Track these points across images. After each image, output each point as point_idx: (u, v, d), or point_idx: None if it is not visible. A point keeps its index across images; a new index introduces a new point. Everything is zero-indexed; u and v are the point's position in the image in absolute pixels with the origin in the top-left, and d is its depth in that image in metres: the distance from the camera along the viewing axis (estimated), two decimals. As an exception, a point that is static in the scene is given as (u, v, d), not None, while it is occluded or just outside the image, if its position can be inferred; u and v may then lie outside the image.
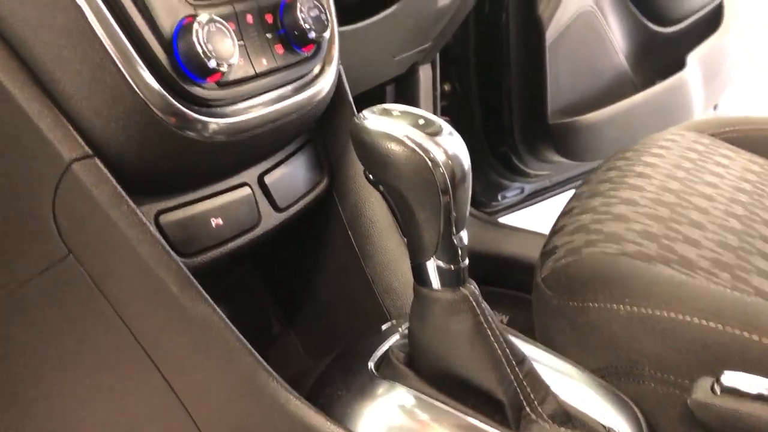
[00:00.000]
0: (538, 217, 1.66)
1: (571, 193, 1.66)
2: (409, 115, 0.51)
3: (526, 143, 1.44)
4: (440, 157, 0.49)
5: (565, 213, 0.79)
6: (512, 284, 1.25)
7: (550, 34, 1.35)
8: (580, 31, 1.42)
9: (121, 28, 0.46)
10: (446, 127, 0.51)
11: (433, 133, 0.50)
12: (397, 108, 0.52)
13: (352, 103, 0.67)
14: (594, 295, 0.64)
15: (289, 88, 0.57)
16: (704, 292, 0.60)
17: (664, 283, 0.62)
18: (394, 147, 0.49)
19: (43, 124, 0.45)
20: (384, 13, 0.95)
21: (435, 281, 0.51)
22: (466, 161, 0.51)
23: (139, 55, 0.47)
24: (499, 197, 1.54)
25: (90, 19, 0.44)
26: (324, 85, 0.60)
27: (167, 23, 0.48)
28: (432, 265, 0.51)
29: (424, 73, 1.28)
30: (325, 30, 0.58)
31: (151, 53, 0.48)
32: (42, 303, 0.51)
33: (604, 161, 0.90)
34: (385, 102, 1.28)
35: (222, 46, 0.49)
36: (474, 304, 0.51)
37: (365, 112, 0.51)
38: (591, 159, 1.52)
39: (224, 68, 0.49)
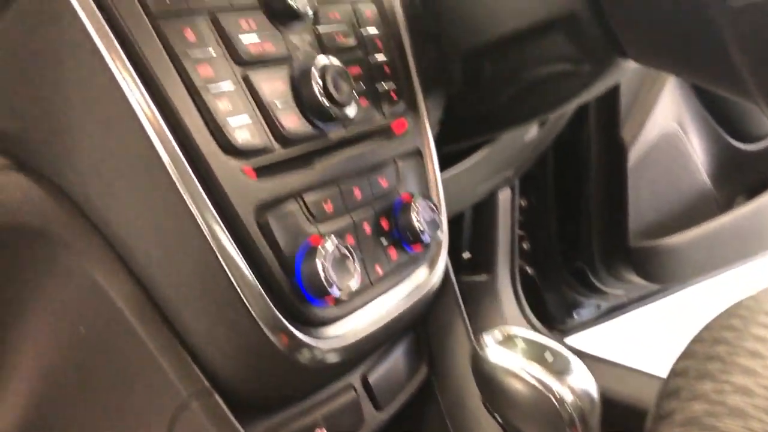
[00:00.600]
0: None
1: (649, 309, 1.60)
2: (533, 346, 0.48)
3: (606, 264, 1.40)
4: (568, 398, 0.46)
5: (671, 394, 0.74)
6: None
7: (633, 155, 1.33)
8: (664, 152, 1.39)
9: (246, 259, 0.45)
10: (574, 361, 0.49)
11: (560, 371, 0.47)
12: (520, 335, 0.49)
13: (455, 283, 0.65)
14: None
15: (400, 292, 0.55)
16: None
17: None
18: (517, 385, 0.46)
19: (165, 360, 0.44)
20: (474, 158, 0.94)
21: None
22: (595, 393, 0.48)
23: (261, 284, 0.46)
24: (574, 315, 1.49)
25: (220, 257, 0.44)
26: (434, 284, 0.58)
27: (289, 244, 0.47)
28: None
29: (503, 195, 1.27)
30: (437, 230, 0.56)
31: (272, 276, 0.47)
32: None
33: (705, 327, 0.85)
34: (462, 224, 1.28)
35: (345, 273, 0.47)
36: None
37: (486, 339, 0.49)
38: (674, 283, 1.47)
39: (345, 296, 0.48)
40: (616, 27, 0.65)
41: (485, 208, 1.24)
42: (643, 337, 1.89)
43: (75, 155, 0.43)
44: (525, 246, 1.44)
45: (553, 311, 1.47)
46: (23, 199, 0.42)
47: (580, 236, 1.39)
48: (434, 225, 0.56)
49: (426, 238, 0.55)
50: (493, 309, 1.28)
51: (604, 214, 1.36)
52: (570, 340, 1.49)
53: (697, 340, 0.84)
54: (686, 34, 0.61)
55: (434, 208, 0.56)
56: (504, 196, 1.26)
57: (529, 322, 1.31)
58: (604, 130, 1.31)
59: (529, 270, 1.45)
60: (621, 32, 0.65)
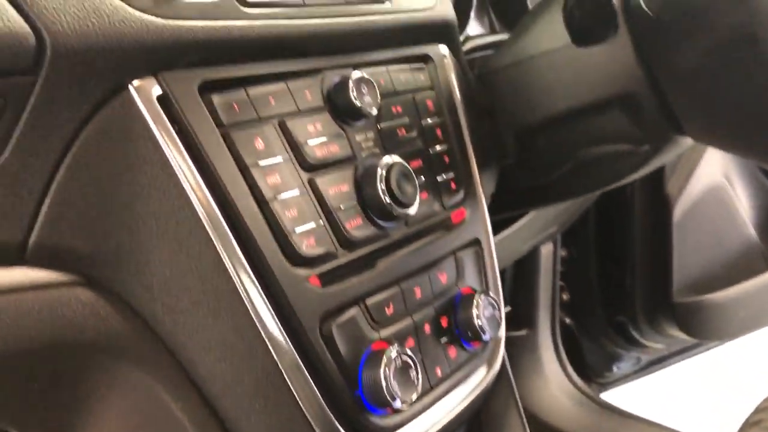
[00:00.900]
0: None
1: (691, 362, 1.56)
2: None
3: (648, 318, 1.37)
4: None
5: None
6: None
7: (678, 210, 1.30)
8: (710, 206, 1.36)
9: (308, 370, 0.44)
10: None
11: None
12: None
13: (510, 373, 0.64)
14: None
15: (459, 394, 0.54)
16: None
17: None
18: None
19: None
20: (521, 222, 0.92)
21: None
22: None
23: (322, 394, 0.45)
24: (614, 368, 1.46)
25: (283, 371, 0.43)
26: (490, 381, 0.57)
27: (351, 353, 0.46)
28: None
29: (545, 250, 1.25)
30: (498, 329, 0.55)
31: (333, 386, 0.46)
32: None
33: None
34: (503, 277, 1.26)
35: (407, 383, 0.46)
36: None
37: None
38: (718, 339, 1.43)
39: (407, 407, 0.46)
40: (676, 108, 0.63)
41: (527, 263, 1.22)
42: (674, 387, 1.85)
43: (145, 271, 0.42)
44: (564, 296, 1.42)
45: (592, 363, 1.44)
46: (90, 315, 0.41)
47: (623, 290, 1.36)
48: (494, 322, 0.55)
49: (486, 337, 0.54)
50: (532, 365, 1.26)
51: (648, 269, 1.33)
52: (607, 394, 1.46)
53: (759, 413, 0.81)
54: (751, 118, 0.59)
55: (495, 303, 0.55)
56: (546, 250, 1.24)
57: (569, 378, 1.28)
58: (648, 185, 1.29)
59: (567, 321, 1.43)
60: (682, 113, 0.64)
